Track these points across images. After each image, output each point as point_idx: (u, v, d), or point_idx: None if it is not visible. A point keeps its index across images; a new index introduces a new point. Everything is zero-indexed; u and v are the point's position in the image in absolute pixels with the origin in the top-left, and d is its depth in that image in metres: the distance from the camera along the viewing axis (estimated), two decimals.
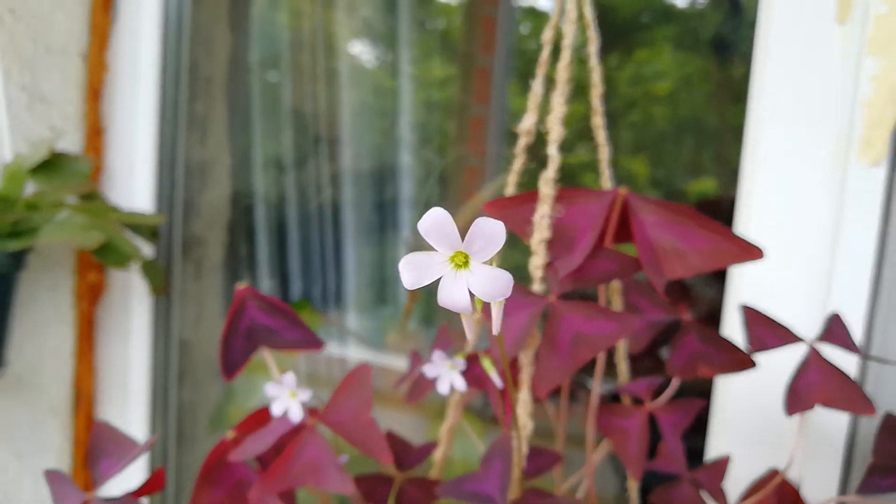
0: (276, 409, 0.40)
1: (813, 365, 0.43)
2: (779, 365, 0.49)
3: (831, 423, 0.56)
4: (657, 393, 0.48)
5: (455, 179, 1.38)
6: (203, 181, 1.06)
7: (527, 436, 0.41)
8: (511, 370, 0.43)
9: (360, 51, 1.27)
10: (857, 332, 0.54)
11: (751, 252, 0.41)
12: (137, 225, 0.69)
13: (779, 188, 0.57)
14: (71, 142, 0.83)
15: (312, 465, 0.40)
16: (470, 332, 0.24)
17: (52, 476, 0.44)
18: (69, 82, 0.83)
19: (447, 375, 0.38)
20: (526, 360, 0.42)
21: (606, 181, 0.46)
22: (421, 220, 0.20)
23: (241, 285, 0.46)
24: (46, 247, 0.81)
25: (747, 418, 0.59)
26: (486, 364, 0.40)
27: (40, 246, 0.76)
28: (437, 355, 0.38)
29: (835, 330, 0.45)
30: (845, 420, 0.55)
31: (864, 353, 0.45)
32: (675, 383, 0.51)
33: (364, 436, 0.40)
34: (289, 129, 1.23)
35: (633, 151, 1.03)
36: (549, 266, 0.42)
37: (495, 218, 0.42)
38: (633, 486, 0.50)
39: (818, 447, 0.57)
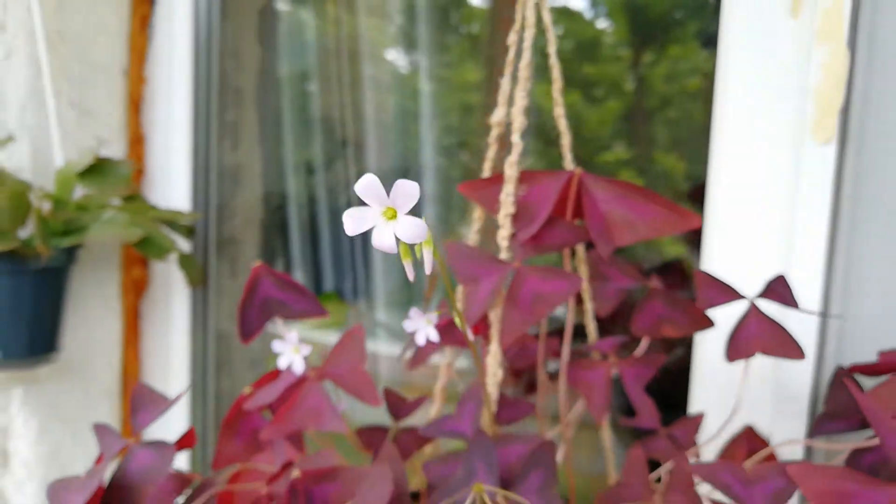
0: (281, 363, 0.48)
1: (753, 318, 0.49)
2: None
3: (797, 383, 0.61)
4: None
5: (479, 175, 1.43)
6: (236, 184, 1.15)
7: (496, 382, 0.48)
8: (483, 327, 0.50)
9: (388, 56, 1.34)
10: (816, 293, 0.59)
11: (690, 220, 0.47)
12: (174, 221, 0.78)
13: (744, 167, 0.63)
14: (115, 150, 0.93)
15: (314, 410, 0.47)
16: (409, 272, 0.31)
17: (100, 428, 0.52)
18: (112, 96, 0.92)
19: (423, 329, 0.45)
20: (495, 317, 0.48)
21: (569, 164, 0.53)
22: (357, 184, 0.27)
23: (256, 263, 0.54)
24: (94, 245, 0.90)
25: (722, 373, 0.64)
26: (458, 321, 0.46)
27: (89, 243, 0.86)
28: (414, 311, 0.45)
29: (776, 288, 0.51)
30: (809, 379, 0.60)
31: (796, 305, 0.50)
32: (644, 343, 0.57)
33: (358, 384, 0.47)
34: (317, 133, 1.32)
35: (669, 148, 1.08)
36: (513, 237, 0.48)
37: (469, 196, 0.49)
38: (606, 437, 0.56)
39: (786, 405, 0.62)
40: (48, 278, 0.75)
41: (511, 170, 0.48)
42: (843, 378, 0.48)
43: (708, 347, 0.65)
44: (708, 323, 0.53)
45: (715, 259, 0.63)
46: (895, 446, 0.41)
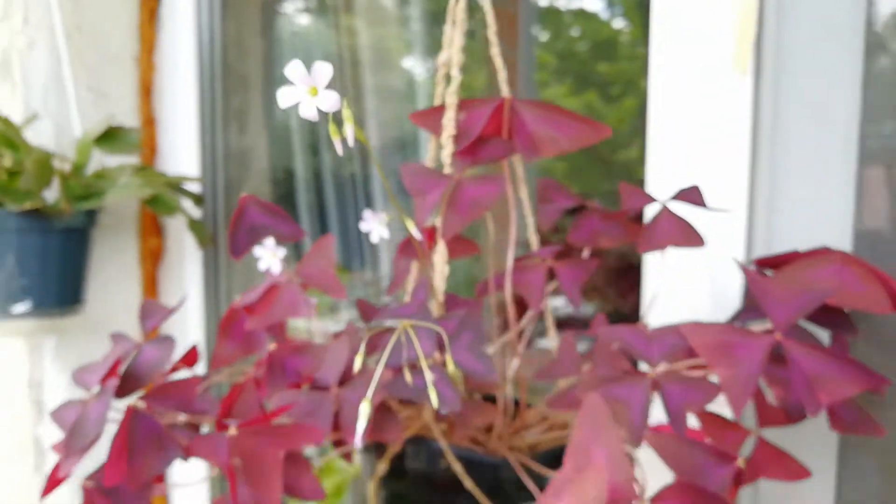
0: (261, 266, 0.56)
1: (664, 218, 0.57)
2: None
3: (731, 287, 0.68)
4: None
5: None
6: (244, 164, 1.25)
7: (443, 277, 0.56)
8: (430, 233, 0.58)
9: (384, 37, 1.43)
10: (742, 215, 0.67)
11: (602, 131, 0.55)
12: (180, 184, 0.87)
13: (674, 98, 0.70)
14: None
15: (290, 304, 0.56)
16: (339, 148, 0.39)
17: (115, 336, 0.61)
18: (125, 82, 1.02)
19: (377, 229, 0.54)
20: (439, 223, 0.57)
21: (505, 92, 0.61)
22: (286, 68, 0.36)
23: (244, 194, 0.63)
24: (114, 213, 1.00)
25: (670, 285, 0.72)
26: (408, 224, 0.55)
27: (109, 210, 0.96)
28: (367, 213, 0.54)
29: (687, 193, 0.58)
30: (739, 282, 0.68)
31: (705, 205, 0.58)
32: (586, 252, 0.65)
33: (327, 282, 0.56)
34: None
35: None
36: (454, 154, 0.57)
37: (418, 123, 0.57)
38: (552, 334, 0.64)
39: (723, 306, 0.69)
40: (72, 237, 0.85)
41: (451, 98, 0.57)
42: (744, 268, 0.56)
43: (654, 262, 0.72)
44: (636, 233, 0.61)
45: (656, 188, 0.71)
46: (774, 313, 0.49)
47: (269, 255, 0.55)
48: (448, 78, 0.60)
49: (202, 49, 1.09)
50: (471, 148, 0.56)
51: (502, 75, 0.61)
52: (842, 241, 0.65)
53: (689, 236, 0.56)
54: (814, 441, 0.67)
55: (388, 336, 0.51)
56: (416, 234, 0.56)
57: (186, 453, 0.46)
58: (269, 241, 0.56)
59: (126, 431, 0.45)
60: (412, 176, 0.57)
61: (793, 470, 0.56)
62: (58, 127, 0.92)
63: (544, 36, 1.62)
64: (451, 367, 0.46)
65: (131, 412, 0.45)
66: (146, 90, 1.06)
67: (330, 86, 0.37)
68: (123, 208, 1.03)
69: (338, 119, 0.40)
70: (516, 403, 0.63)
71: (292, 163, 1.40)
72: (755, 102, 0.67)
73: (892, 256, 0.65)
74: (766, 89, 0.67)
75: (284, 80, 0.37)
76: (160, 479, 0.57)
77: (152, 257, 1.08)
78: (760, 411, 0.56)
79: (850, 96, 0.63)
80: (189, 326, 1.11)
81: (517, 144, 0.56)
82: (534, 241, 0.64)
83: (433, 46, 1.39)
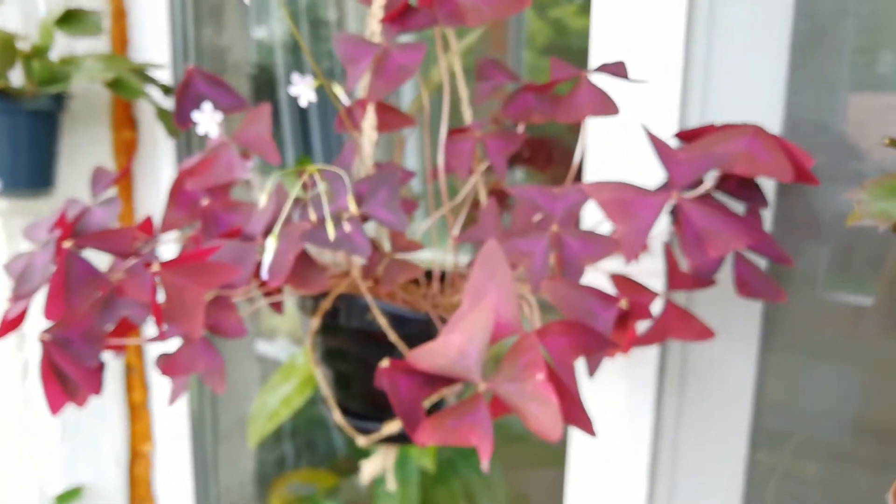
0: (199, 130, 0.59)
1: (583, 88, 0.59)
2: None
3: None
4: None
5: None
6: (222, 62, 1.26)
7: (371, 142, 0.59)
8: (361, 105, 0.61)
9: None
10: (676, 90, 0.69)
11: (522, 2, 0.57)
12: (143, 70, 0.89)
13: None
14: None
15: (227, 166, 0.59)
16: None
17: (69, 200, 0.64)
18: None
19: (305, 93, 0.56)
20: (365, 89, 0.59)
21: None
22: None
23: (189, 66, 0.65)
24: (87, 103, 1.02)
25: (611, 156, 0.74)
26: (338, 91, 0.58)
27: (80, 97, 0.98)
28: (296, 77, 0.56)
29: (611, 66, 0.60)
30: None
31: (628, 78, 0.60)
32: (521, 128, 0.67)
33: (262, 147, 0.59)
34: (302, 13, 1.41)
35: None
36: (382, 22, 0.59)
37: None
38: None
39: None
40: (41, 120, 0.88)
41: None
42: (648, 132, 0.57)
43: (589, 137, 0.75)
44: (571, 114, 0.63)
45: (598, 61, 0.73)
46: (673, 173, 0.52)
47: (208, 120, 0.58)
48: None
49: None
50: (397, 16, 0.57)
51: None
52: (772, 120, 0.68)
53: (606, 105, 0.58)
54: (738, 314, 0.71)
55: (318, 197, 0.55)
56: (345, 99, 0.59)
57: (118, 293, 0.50)
58: (207, 106, 0.59)
59: (63, 271, 0.49)
60: (344, 44, 0.59)
61: (698, 331, 0.60)
62: (25, 14, 0.94)
63: None
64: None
65: (65, 253, 0.49)
66: None
67: None
68: (96, 98, 1.05)
69: None
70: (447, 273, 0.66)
71: (271, 60, 1.41)
72: None
73: (820, 134, 0.67)
74: None
75: None
76: (118, 343, 0.62)
77: (126, 148, 1.11)
78: (671, 275, 0.60)
79: None
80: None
81: (442, 13, 0.57)
82: (467, 115, 0.67)
83: None
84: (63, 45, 0.98)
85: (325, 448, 1.56)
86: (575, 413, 0.46)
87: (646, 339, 0.60)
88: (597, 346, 0.47)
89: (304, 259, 0.53)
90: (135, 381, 1.17)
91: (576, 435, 0.79)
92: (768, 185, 0.69)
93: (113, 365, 1.12)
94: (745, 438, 0.72)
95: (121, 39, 1.09)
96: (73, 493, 1.07)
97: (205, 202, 0.55)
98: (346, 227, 0.51)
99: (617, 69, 0.60)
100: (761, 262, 0.68)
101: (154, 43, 1.09)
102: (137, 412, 1.18)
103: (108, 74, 0.83)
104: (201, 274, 0.47)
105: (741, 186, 0.61)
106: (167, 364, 0.51)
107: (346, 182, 0.52)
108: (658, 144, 0.53)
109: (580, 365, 0.52)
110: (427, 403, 0.49)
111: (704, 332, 0.60)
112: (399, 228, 0.51)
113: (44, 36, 0.84)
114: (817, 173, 0.66)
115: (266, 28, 1.39)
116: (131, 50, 1.11)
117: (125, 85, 0.85)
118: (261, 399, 1.11)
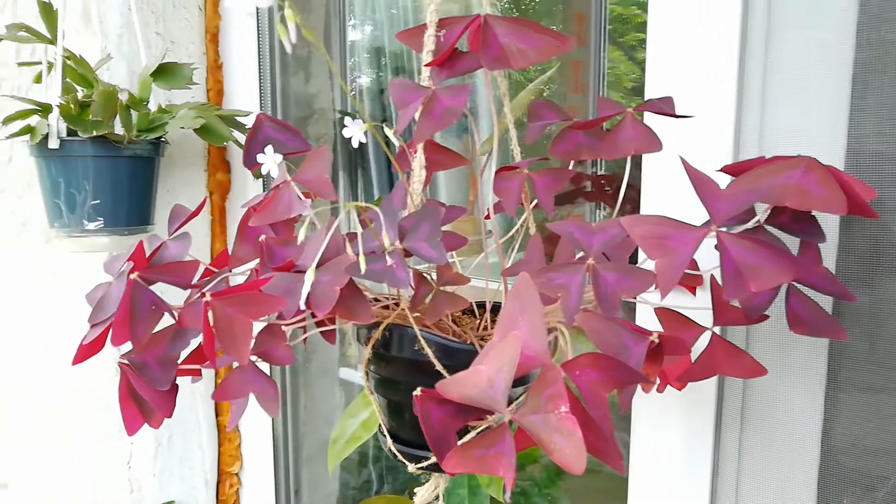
0: (263, 170, 0.64)
1: (627, 124, 0.60)
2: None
3: None
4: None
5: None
6: (309, 109, 1.33)
7: (420, 181, 0.62)
8: (412, 146, 0.64)
9: None
10: (730, 122, 0.68)
11: (566, 43, 0.59)
12: (233, 117, 0.97)
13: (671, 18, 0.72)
14: (197, 73, 1.13)
15: (287, 204, 0.63)
16: (288, 45, 0.45)
17: (149, 237, 0.71)
18: (191, 29, 1.13)
19: (357, 135, 0.60)
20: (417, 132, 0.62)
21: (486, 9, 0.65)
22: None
23: (258, 112, 0.70)
24: (184, 148, 1.11)
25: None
26: (388, 132, 0.61)
27: (177, 143, 1.07)
28: (348, 120, 0.60)
29: (655, 103, 0.61)
30: None
31: (675, 114, 0.60)
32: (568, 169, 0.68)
33: (320, 187, 0.63)
34: (387, 64, 1.48)
35: None
36: (429, 67, 0.62)
37: (403, 41, 0.63)
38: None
39: None
40: (140, 164, 0.97)
41: (431, 16, 0.62)
42: (685, 163, 0.57)
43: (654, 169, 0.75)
44: (615, 151, 0.64)
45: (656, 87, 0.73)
46: (713, 207, 0.52)
47: (269, 161, 0.63)
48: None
49: None
50: (444, 61, 0.60)
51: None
52: (834, 152, 0.66)
53: (650, 142, 0.58)
54: (802, 350, 0.69)
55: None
56: (395, 139, 0.62)
57: (179, 322, 0.54)
58: (269, 149, 0.63)
59: (128, 300, 0.54)
60: (397, 89, 0.63)
61: (748, 367, 0.58)
62: (130, 69, 1.03)
63: None
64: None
65: (132, 284, 0.54)
66: (212, 36, 1.16)
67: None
68: (192, 143, 1.14)
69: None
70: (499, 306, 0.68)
71: (355, 106, 1.48)
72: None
73: (886, 166, 0.65)
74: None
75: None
76: (195, 371, 0.67)
77: (220, 189, 1.19)
78: (717, 309, 0.59)
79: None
80: None
81: (487, 57, 0.60)
82: (517, 153, 0.68)
83: None
84: (164, 96, 1.07)
85: (406, 474, 1.58)
86: (603, 447, 0.46)
87: (693, 375, 0.59)
88: (628, 380, 0.47)
89: (352, 290, 0.56)
90: (224, 404, 1.24)
91: (636, 474, 0.78)
92: (832, 220, 0.67)
93: (204, 388, 1.19)
94: (814, 482, 0.68)
95: (217, 89, 1.18)
96: None
97: (261, 238, 0.59)
98: (389, 260, 0.54)
99: (664, 105, 0.61)
100: (826, 300, 0.65)
101: (245, 92, 1.17)
102: (226, 434, 1.24)
103: (198, 121, 0.91)
104: (249, 304, 0.51)
105: (795, 220, 0.60)
106: (220, 389, 0.55)
107: (381, 218, 0.55)
108: (696, 178, 0.52)
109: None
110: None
111: (756, 369, 0.58)
112: (438, 262, 0.53)
113: (142, 88, 0.92)
114: (883, 205, 0.64)
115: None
116: (226, 99, 1.19)
117: (213, 131, 0.92)
118: (341, 424, 1.14)
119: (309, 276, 0.49)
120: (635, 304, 0.76)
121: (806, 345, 0.68)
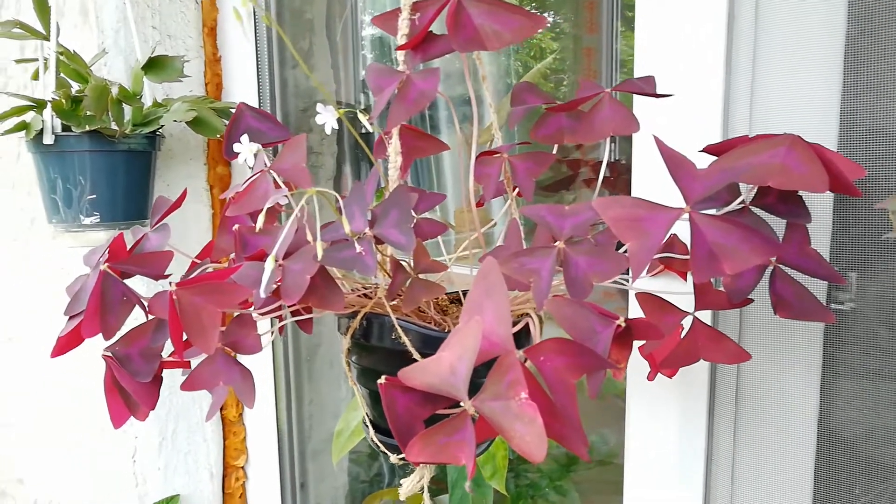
0: (240, 159, 0.63)
1: (606, 106, 0.58)
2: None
3: None
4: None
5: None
6: (311, 100, 1.33)
7: (396, 167, 0.61)
8: (387, 133, 0.63)
9: None
10: (718, 102, 0.66)
11: (539, 22, 0.57)
12: (228, 109, 0.97)
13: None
14: (195, 66, 1.14)
15: (263, 194, 0.63)
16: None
17: (133, 229, 0.70)
18: (188, 22, 1.13)
19: (330, 120, 0.59)
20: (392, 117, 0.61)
21: None
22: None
23: (240, 103, 0.70)
24: (183, 143, 1.11)
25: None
26: (362, 118, 0.60)
27: (176, 136, 1.07)
28: (320, 106, 0.59)
29: (637, 83, 0.59)
30: None
31: (655, 94, 0.58)
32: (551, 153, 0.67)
33: (297, 176, 0.62)
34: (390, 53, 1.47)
35: None
36: (403, 51, 0.60)
37: (378, 25, 0.62)
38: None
39: None
40: (136, 159, 0.97)
41: (406, 1, 0.61)
42: (658, 142, 0.55)
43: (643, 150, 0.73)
44: (593, 133, 0.62)
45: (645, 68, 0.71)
46: (687, 187, 0.50)
47: (246, 150, 0.62)
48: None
49: None
50: (418, 44, 0.59)
51: None
52: (827, 130, 0.64)
53: (628, 123, 0.57)
54: (797, 341, 0.67)
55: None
56: (368, 125, 0.61)
57: (148, 312, 0.54)
58: (244, 138, 0.63)
59: (99, 292, 0.54)
60: (373, 74, 0.62)
61: (732, 353, 0.57)
62: (127, 64, 1.04)
63: None
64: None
65: (102, 275, 0.54)
66: (210, 30, 1.16)
67: None
68: (192, 138, 1.14)
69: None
70: None
71: (360, 99, 1.48)
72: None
73: (881, 143, 0.63)
74: None
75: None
76: (185, 363, 0.66)
77: (221, 183, 1.19)
78: (699, 293, 0.57)
79: None
80: None
81: (462, 39, 0.59)
82: (497, 137, 0.67)
83: None
84: (162, 90, 1.07)
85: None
86: (568, 433, 0.45)
87: (675, 361, 0.57)
88: (595, 366, 0.46)
89: (324, 278, 0.56)
90: (229, 398, 1.24)
91: (631, 463, 0.76)
92: (825, 200, 0.64)
93: None
94: (810, 468, 0.66)
95: (216, 83, 1.18)
96: (172, 500, 1.14)
97: (235, 227, 0.59)
98: (357, 247, 0.53)
99: (644, 85, 0.59)
100: (818, 284, 0.63)
101: (244, 85, 1.17)
102: (231, 427, 1.25)
103: (190, 114, 0.91)
104: (215, 294, 0.50)
105: (781, 200, 0.58)
106: (188, 379, 0.55)
107: (342, 205, 0.54)
108: (669, 157, 0.51)
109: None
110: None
111: (740, 355, 0.56)
112: (407, 249, 0.52)
113: (134, 82, 0.93)
114: (878, 184, 0.61)
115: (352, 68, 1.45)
116: (225, 92, 1.19)
117: (206, 123, 0.92)
118: (345, 417, 1.14)
119: (268, 265, 0.48)
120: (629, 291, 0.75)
121: (800, 329, 0.66)
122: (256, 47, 1.16)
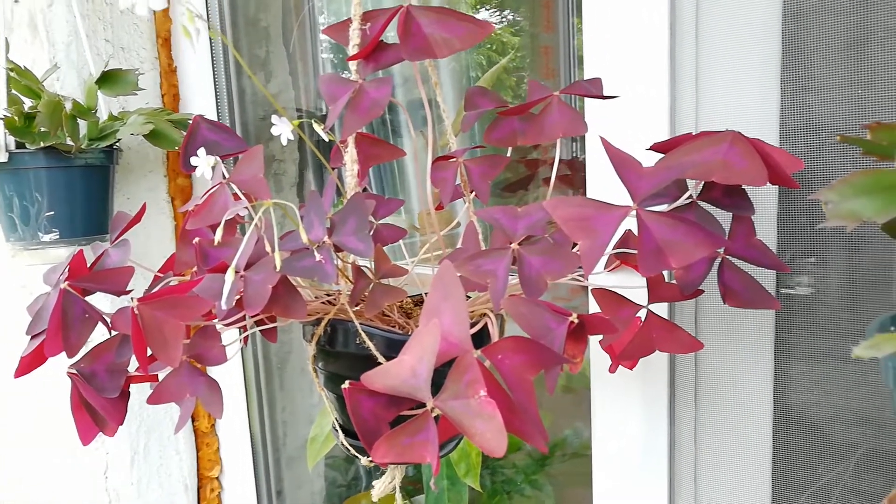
0: (197, 172, 0.64)
1: (554, 108, 0.60)
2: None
3: None
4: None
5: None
6: (270, 108, 1.33)
7: (353, 175, 0.62)
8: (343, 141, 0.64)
9: None
10: (664, 101, 0.68)
11: (486, 29, 0.59)
12: (185, 121, 0.96)
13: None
14: (150, 77, 1.13)
15: (222, 206, 0.63)
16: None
17: (93, 245, 0.70)
18: (141, 34, 1.12)
19: (285, 131, 0.60)
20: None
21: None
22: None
23: (195, 116, 0.70)
24: (142, 155, 1.11)
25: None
26: (317, 128, 0.61)
27: (135, 150, 1.07)
28: (275, 118, 0.60)
29: (581, 85, 0.61)
30: None
31: (602, 96, 0.60)
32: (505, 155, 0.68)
33: (255, 187, 0.63)
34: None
35: None
36: (353, 60, 0.62)
37: (331, 36, 0.62)
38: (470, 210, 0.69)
39: None
40: (94, 174, 0.96)
41: (356, 9, 0.62)
42: (605, 142, 0.57)
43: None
44: (543, 135, 0.64)
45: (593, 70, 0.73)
46: (633, 186, 0.52)
47: (203, 164, 0.63)
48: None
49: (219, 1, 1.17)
50: (369, 53, 0.60)
51: None
52: (768, 124, 0.66)
53: (576, 125, 0.58)
54: (749, 323, 0.69)
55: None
56: (324, 135, 0.62)
57: (111, 328, 0.55)
58: (201, 151, 0.63)
59: (60, 310, 0.54)
60: (326, 84, 0.63)
61: (685, 342, 0.59)
62: (80, 78, 1.03)
63: None
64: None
65: (62, 293, 0.54)
66: (165, 41, 1.16)
67: None
68: (151, 150, 1.13)
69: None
70: None
71: (320, 105, 1.48)
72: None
73: (820, 135, 0.65)
74: None
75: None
76: (152, 377, 0.67)
77: (182, 195, 1.19)
78: (651, 286, 0.59)
79: None
80: None
81: (411, 48, 0.60)
82: (453, 143, 0.68)
83: None
84: (118, 104, 1.07)
85: None
86: (528, 429, 0.46)
87: (631, 353, 0.59)
88: (551, 361, 0.48)
89: (286, 287, 0.56)
90: (200, 409, 1.24)
91: (598, 455, 0.78)
92: (770, 192, 0.67)
93: None
94: (768, 450, 0.69)
95: (172, 94, 1.18)
96: None
97: (195, 241, 0.59)
98: (317, 255, 0.54)
99: (591, 87, 0.61)
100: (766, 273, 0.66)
101: (201, 95, 1.17)
102: (204, 438, 1.24)
103: (147, 127, 0.90)
104: (177, 307, 0.51)
105: (726, 194, 0.60)
106: (154, 393, 0.55)
107: (298, 214, 0.55)
108: (615, 157, 0.53)
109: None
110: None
111: (693, 344, 0.59)
112: (366, 255, 0.53)
113: (88, 96, 0.92)
114: (818, 175, 0.64)
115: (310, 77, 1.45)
116: (183, 103, 1.19)
117: (163, 136, 0.92)
118: (319, 423, 1.15)
119: (229, 277, 0.49)
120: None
121: (752, 316, 0.68)
122: (212, 56, 1.16)
